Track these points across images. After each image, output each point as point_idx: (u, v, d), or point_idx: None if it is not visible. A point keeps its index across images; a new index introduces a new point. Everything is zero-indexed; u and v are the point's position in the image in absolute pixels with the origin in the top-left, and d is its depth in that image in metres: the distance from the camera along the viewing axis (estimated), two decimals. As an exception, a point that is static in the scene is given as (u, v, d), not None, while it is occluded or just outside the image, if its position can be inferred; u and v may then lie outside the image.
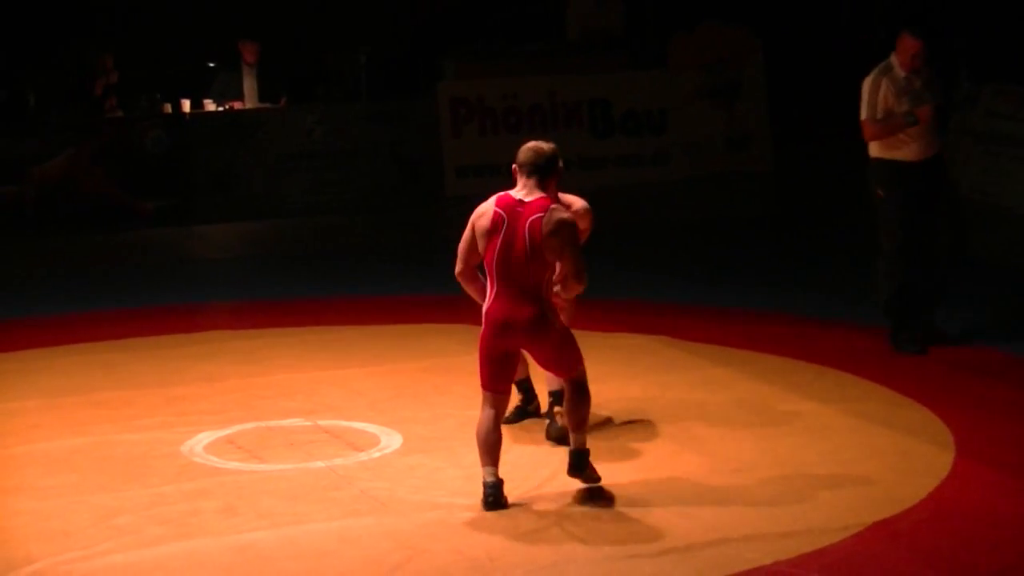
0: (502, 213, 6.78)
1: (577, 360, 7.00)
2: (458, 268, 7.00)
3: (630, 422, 8.07)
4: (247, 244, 15.32)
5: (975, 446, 7.58)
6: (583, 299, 7.42)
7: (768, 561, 6.12)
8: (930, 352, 9.45)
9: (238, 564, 6.26)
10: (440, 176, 17.10)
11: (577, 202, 7.65)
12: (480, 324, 6.88)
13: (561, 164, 6.98)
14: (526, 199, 6.80)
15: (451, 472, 7.31)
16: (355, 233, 15.41)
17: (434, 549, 6.34)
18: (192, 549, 6.42)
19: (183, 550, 6.41)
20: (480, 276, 7.00)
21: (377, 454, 7.68)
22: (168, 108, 16.25)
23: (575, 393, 7.00)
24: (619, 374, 9.04)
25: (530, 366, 7.79)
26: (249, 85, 16.64)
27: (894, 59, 9.40)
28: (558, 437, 7.54)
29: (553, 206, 6.81)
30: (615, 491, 7.01)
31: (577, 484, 7.04)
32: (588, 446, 7.03)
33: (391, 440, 7.89)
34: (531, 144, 6.95)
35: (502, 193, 6.90)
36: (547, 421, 7.81)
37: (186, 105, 16.20)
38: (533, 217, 6.73)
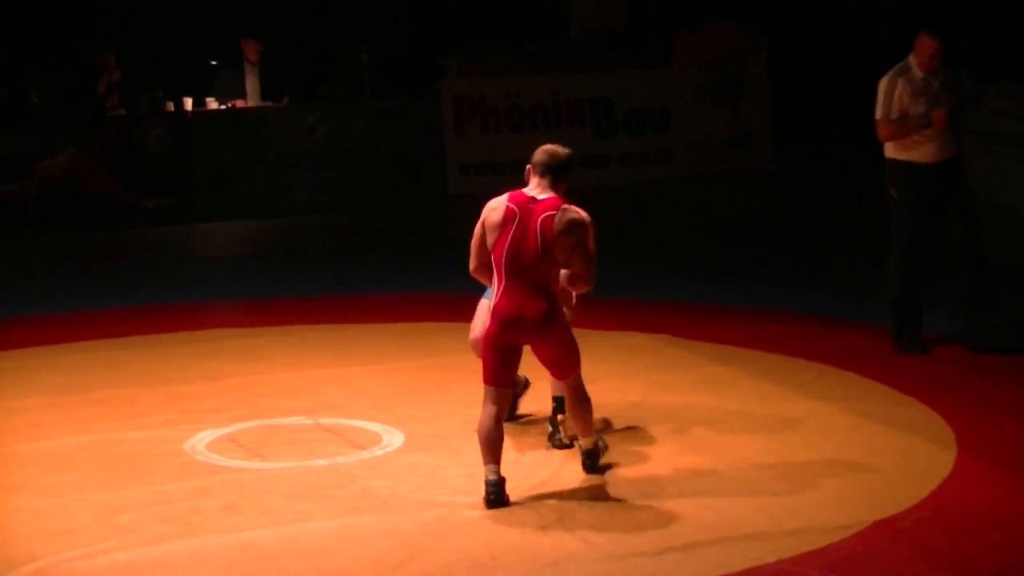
0: (515, 208, 6.82)
1: (577, 363, 7.05)
2: (472, 265, 7.04)
3: (631, 421, 8.06)
4: (249, 243, 15.33)
5: (977, 445, 7.58)
6: (584, 297, 7.42)
7: (770, 560, 6.12)
8: (932, 351, 9.46)
9: (240, 562, 6.26)
10: (442, 175, 17.11)
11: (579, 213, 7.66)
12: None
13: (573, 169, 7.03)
14: (539, 196, 6.86)
15: (453, 470, 7.32)
16: (357, 232, 15.42)
17: (436, 547, 6.34)
18: (194, 547, 6.42)
19: (185, 548, 6.41)
20: None
21: (379, 452, 7.68)
22: (170, 106, 16.27)
23: (576, 398, 7.08)
24: (620, 373, 9.04)
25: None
26: (251, 83, 16.64)
27: (912, 60, 9.34)
28: (561, 447, 7.54)
29: (565, 206, 6.84)
30: (616, 490, 7.01)
31: (579, 483, 7.06)
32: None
33: (393, 438, 7.89)
34: (547, 146, 7.02)
35: (515, 190, 6.95)
36: (549, 427, 7.78)
37: (188, 103, 16.21)
38: (545, 214, 6.77)
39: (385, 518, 6.71)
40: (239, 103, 16.50)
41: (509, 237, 6.80)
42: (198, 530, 6.62)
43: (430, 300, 11.48)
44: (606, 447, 7.38)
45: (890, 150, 9.46)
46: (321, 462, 7.52)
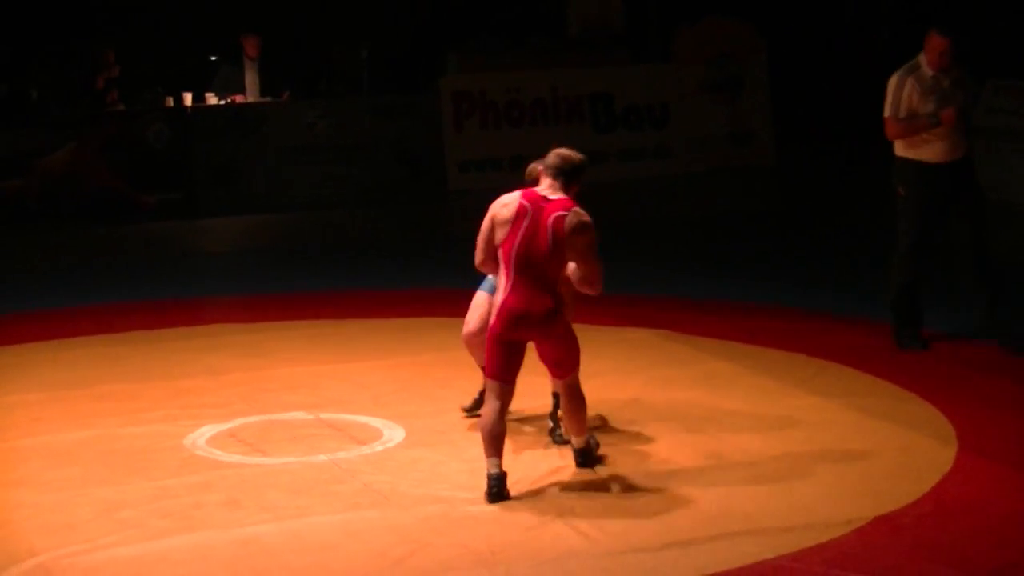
0: (527, 205, 6.87)
1: (577, 363, 7.08)
2: (478, 259, 7.09)
3: (631, 417, 8.07)
4: (249, 238, 15.33)
5: (978, 441, 7.59)
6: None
7: (770, 555, 6.13)
8: (932, 348, 9.46)
9: (241, 557, 6.26)
10: (442, 170, 17.12)
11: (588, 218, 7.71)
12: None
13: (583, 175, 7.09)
14: (551, 196, 6.91)
15: (454, 466, 7.32)
16: (357, 227, 15.42)
17: (437, 543, 6.34)
18: (195, 542, 6.42)
19: (186, 543, 6.41)
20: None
21: (380, 448, 7.68)
22: (170, 102, 16.27)
23: (572, 397, 7.11)
24: (621, 368, 9.05)
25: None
26: (251, 79, 16.66)
27: (922, 58, 9.28)
28: (562, 443, 7.56)
29: (576, 208, 6.90)
30: (617, 486, 7.02)
31: (580, 478, 7.07)
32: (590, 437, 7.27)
33: (394, 434, 7.90)
34: (561, 149, 7.07)
35: (526, 188, 7.02)
36: (549, 423, 7.79)
37: (188, 99, 16.21)
38: (558, 214, 6.82)
39: (386, 513, 6.71)
40: (239, 98, 16.51)
41: (520, 233, 6.84)
42: (199, 525, 6.62)
43: (431, 295, 11.48)
44: (597, 445, 7.38)
45: (899, 148, 9.41)
46: (322, 457, 7.52)
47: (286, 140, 16.54)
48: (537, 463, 7.32)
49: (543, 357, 7.09)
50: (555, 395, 7.69)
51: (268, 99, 16.72)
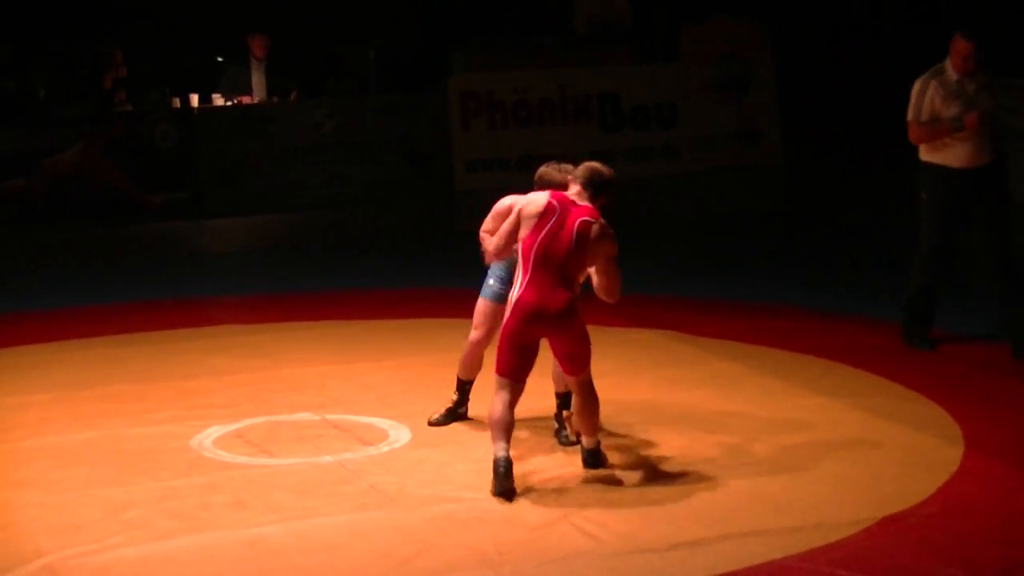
0: (555, 204, 6.98)
1: (589, 359, 7.10)
2: (496, 249, 7.22)
3: (637, 417, 8.06)
4: (256, 238, 15.35)
5: (984, 441, 7.58)
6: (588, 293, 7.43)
7: (777, 556, 6.12)
8: (940, 348, 9.45)
9: (248, 558, 6.27)
10: (450, 170, 17.13)
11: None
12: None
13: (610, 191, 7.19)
14: (578, 201, 7.04)
15: (460, 466, 7.32)
16: (364, 227, 15.42)
17: (443, 543, 6.34)
18: (202, 543, 6.43)
19: (193, 544, 6.41)
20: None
21: (386, 448, 7.68)
22: (177, 102, 16.28)
23: (585, 396, 7.13)
24: (627, 369, 9.04)
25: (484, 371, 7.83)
26: (258, 80, 16.68)
27: (948, 62, 9.19)
28: (567, 444, 7.55)
29: (602, 220, 7.01)
30: (623, 486, 7.01)
31: (585, 479, 7.07)
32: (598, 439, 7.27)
33: (400, 434, 7.90)
34: (592, 163, 7.21)
35: (556, 191, 7.14)
36: (555, 424, 7.78)
37: (195, 99, 16.23)
38: (584, 218, 6.94)
39: (392, 514, 6.71)
40: (245, 99, 16.52)
41: (545, 230, 6.93)
42: (205, 526, 6.62)
43: (437, 296, 11.48)
44: (598, 444, 7.35)
45: (923, 152, 9.33)
46: (328, 458, 7.52)
47: (293, 140, 16.55)
48: (543, 464, 7.32)
49: (556, 353, 7.11)
50: (558, 395, 7.70)
51: (275, 99, 16.72)
